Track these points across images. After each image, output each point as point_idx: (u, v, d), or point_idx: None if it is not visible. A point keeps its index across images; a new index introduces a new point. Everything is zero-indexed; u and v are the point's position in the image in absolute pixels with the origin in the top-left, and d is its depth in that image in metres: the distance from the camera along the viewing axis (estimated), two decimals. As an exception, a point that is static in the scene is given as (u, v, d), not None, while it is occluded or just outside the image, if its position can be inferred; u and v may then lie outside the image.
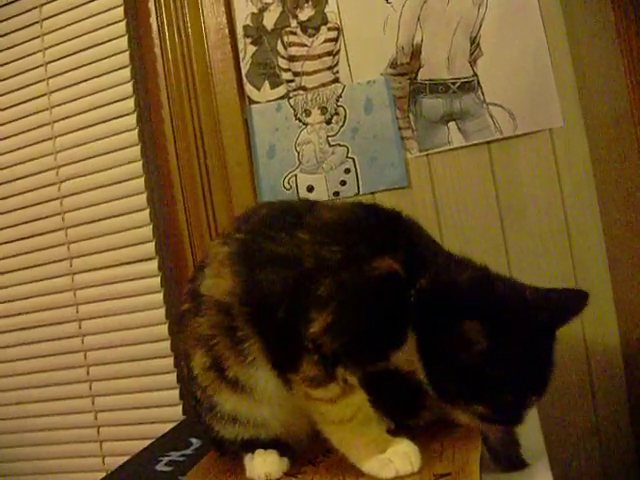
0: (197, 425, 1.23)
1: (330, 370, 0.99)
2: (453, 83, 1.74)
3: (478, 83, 1.73)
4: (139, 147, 1.94)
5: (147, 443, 1.55)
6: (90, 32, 2.00)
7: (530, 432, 1.21)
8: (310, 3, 1.85)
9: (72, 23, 2.03)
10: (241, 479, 1.13)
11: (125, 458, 1.46)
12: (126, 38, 1.96)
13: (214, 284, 1.10)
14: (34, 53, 2.08)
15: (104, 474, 1.40)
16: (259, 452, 1.12)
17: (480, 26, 1.72)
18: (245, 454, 1.14)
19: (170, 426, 1.68)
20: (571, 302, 1.04)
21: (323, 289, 0.98)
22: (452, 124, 1.75)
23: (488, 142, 1.72)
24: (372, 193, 1.80)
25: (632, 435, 1.64)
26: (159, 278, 1.93)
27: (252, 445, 1.13)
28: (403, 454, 1.02)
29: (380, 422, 1.07)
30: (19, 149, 2.12)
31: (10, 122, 2.13)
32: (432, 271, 1.03)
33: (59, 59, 2.05)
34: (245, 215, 1.20)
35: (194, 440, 1.49)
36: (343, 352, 0.99)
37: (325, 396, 1.01)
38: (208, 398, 1.11)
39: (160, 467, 1.37)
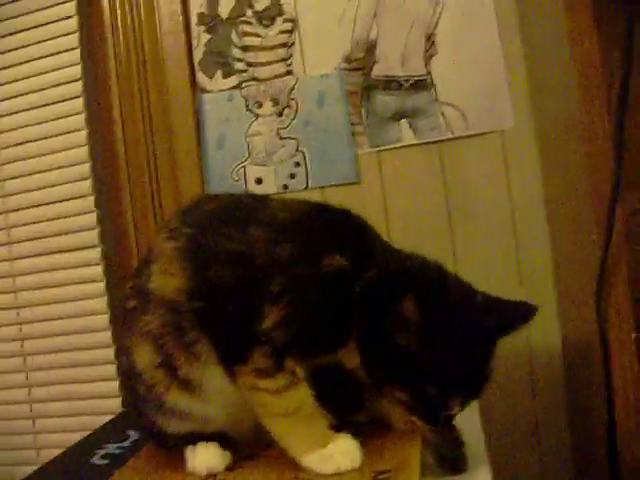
0: (136, 419, 1.20)
1: (279, 361, 0.99)
2: (406, 80, 1.74)
3: (432, 81, 1.73)
4: (85, 132, 1.89)
5: (85, 436, 1.52)
6: (39, 10, 1.95)
7: (471, 430, 1.21)
8: (266, -7, 1.83)
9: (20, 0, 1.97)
10: (180, 472, 1.11)
11: (61, 451, 1.44)
12: (76, 19, 1.91)
13: (163, 281, 1.07)
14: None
15: (38, 467, 1.37)
16: (201, 445, 1.11)
17: (436, 24, 1.72)
18: (186, 447, 1.12)
19: (109, 418, 1.65)
20: (518, 313, 1.03)
21: (275, 285, 0.99)
22: (404, 121, 1.74)
23: (439, 141, 1.72)
24: (321, 187, 1.79)
25: (569, 436, 1.66)
26: (102, 267, 1.89)
27: (195, 438, 1.12)
28: (344, 450, 1.02)
29: (323, 417, 1.07)
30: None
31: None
32: (379, 264, 1.03)
33: (5, 36, 1.99)
34: (191, 207, 1.17)
35: (132, 432, 1.46)
36: (293, 344, 0.99)
37: (271, 387, 1.01)
38: (156, 396, 1.08)
39: (95, 460, 1.33)
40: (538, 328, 1.66)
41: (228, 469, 1.08)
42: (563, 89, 1.54)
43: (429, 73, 1.73)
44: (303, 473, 1.01)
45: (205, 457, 1.09)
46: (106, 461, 1.31)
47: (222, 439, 1.12)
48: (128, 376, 1.14)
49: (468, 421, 1.22)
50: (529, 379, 1.68)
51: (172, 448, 1.16)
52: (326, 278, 1.00)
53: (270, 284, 0.99)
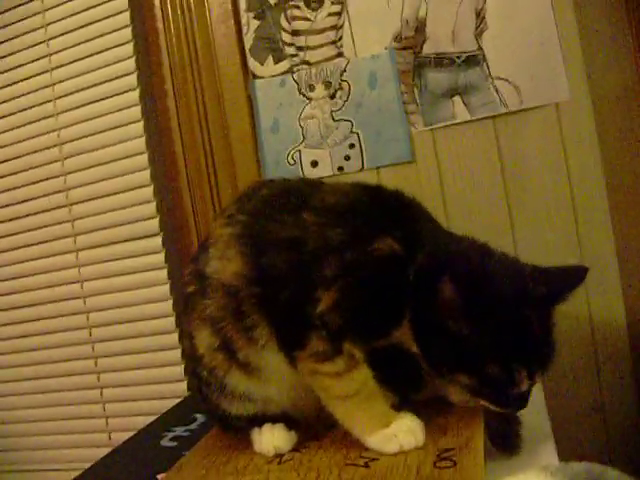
0: (201, 403, 1.23)
1: (337, 345, 1.00)
2: (458, 57, 1.72)
3: (483, 57, 1.71)
4: (142, 123, 1.93)
5: (152, 419, 1.56)
6: (92, 7, 1.99)
7: (535, 408, 1.21)
8: (314, -24, 1.83)
9: (73, -1, 2.01)
10: (247, 453, 1.13)
11: (131, 434, 1.48)
12: (128, 13, 1.94)
13: (221, 266, 1.10)
14: (36, 29, 2.07)
15: (110, 450, 1.41)
16: (267, 426, 1.12)
17: (486, -1, 1.70)
18: (252, 429, 1.14)
19: (175, 402, 1.69)
20: (570, 277, 1.02)
21: (328, 270, 1.00)
22: (457, 98, 1.73)
23: (493, 117, 1.71)
24: (377, 168, 1.79)
25: (637, 412, 1.64)
26: (163, 254, 1.93)
27: (260, 420, 1.14)
28: (407, 429, 1.02)
29: (384, 397, 1.08)
30: (22, 126, 2.12)
31: (12, 99, 2.13)
32: (429, 249, 1.03)
33: (61, 35, 2.04)
34: (246, 194, 1.20)
35: (198, 416, 1.50)
36: (348, 328, 1.00)
37: (331, 370, 1.02)
38: (217, 378, 1.11)
39: (165, 442, 1.38)
40: (601, 304, 1.64)
41: (294, 449, 1.10)
42: (618, 60, 1.51)
43: (480, 48, 1.71)
44: (368, 452, 1.03)
45: (272, 438, 1.10)
46: (175, 443, 1.35)
47: (287, 420, 1.14)
48: (191, 360, 1.17)
49: (531, 399, 1.23)
50: (593, 356, 1.66)
51: (238, 430, 1.18)
52: (378, 262, 1.00)
53: (323, 269, 1.00)
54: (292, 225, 1.06)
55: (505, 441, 1.05)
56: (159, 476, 1.14)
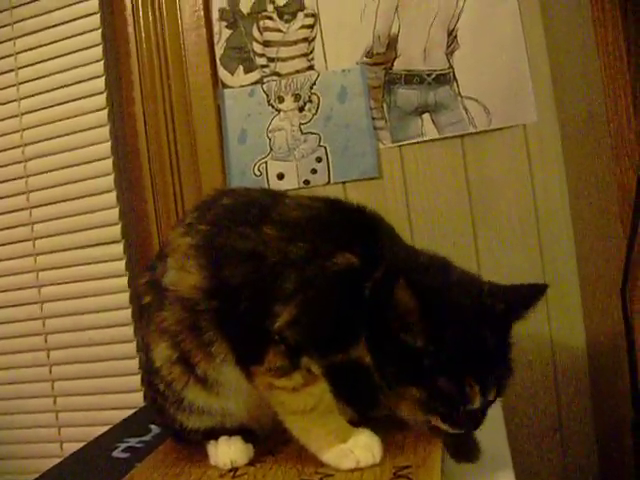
0: (156, 415, 1.21)
1: (294, 360, 1.00)
2: (428, 75, 1.73)
3: (454, 76, 1.71)
4: (108, 128, 1.90)
5: (106, 429, 1.53)
6: (61, 8, 1.96)
7: (493, 426, 1.20)
8: (287, -12, 1.83)
9: (41, -1, 1.99)
10: (200, 466, 1.12)
11: (84, 444, 1.44)
12: (99, 16, 1.92)
13: (178, 278, 1.08)
14: (2, 27, 2.03)
15: (61, 460, 1.38)
16: (223, 439, 1.12)
17: (458, 19, 1.71)
18: (208, 441, 1.13)
19: (130, 413, 1.66)
20: (529, 294, 1.02)
21: (288, 284, 0.99)
22: (426, 116, 1.73)
23: (461, 135, 1.71)
24: (343, 182, 1.78)
25: (593, 433, 1.64)
26: (124, 262, 1.90)
27: (216, 432, 1.12)
28: (364, 445, 1.01)
29: (342, 413, 1.06)
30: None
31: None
32: (387, 263, 1.02)
33: (28, 34, 2.00)
34: (207, 203, 1.18)
35: (153, 427, 1.48)
36: (307, 343, 0.99)
37: (288, 385, 1.01)
38: (174, 392, 1.09)
39: (117, 453, 1.35)
40: (562, 324, 1.65)
41: (249, 464, 1.09)
42: (587, 82, 1.53)
43: (451, 67, 1.71)
44: (323, 468, 1.02)
45: (228, 451, 1.09)
46: (127, 454, 1.33)
47: (244, 433, 1.13)
48: (147, 372, 1.16)
49: (490, 419, 1.22)
50: (552, 376, 1.66)
51: (193, 443, 1.17)
52: (335, 276, 1.00)
53: (282, 283, 0.99)
54: (252, 238, 1.05)
55: (463, 450, 1.05)
56: (108, 489, 1.11)
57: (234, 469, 1.07)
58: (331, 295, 1.00)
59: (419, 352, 0.95)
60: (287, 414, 1.04)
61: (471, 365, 0.94)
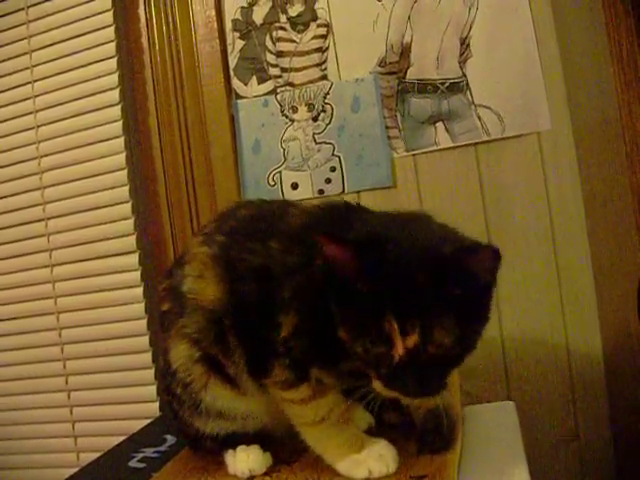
0: (172, 421, 1.21)
1: (301, 372, 1.00)
2: (442, 83, 1.73)
3: (467, 84, 1.72)
4: (123, 139, 1.91)
5: (122, 439, 1.53)
6: (77, 21, 1.97)
7: (509, 435, 1.20)
8: (300, -1, 1.84)
9: (59, 11, 2.00)
10: (216, 476, 1.12)
11: (100, 454, 1.45)
12: (113, 28, 1.93)
13: (198, 287, 1.09)
14: (19, 40, 2.04)
15: (77, 470, 1.38)
16: (241, 448, 1.12)
17: (471, 27, 1.71)
18: (226, 450, 1.13)
19: (146, 422, 1.66)
20: (479, 252, 0.90)
21: (286, 293, 1.00)
22: (439, 125, 1.73)
23: (475, 144, 1.71)
24: (357, 192, 1.78)
25: (611, 441, 1.63)
26: (139, 272, 1.90)
27: (233, 441, 1.13)
28: (377, 455, 1.01)
29: (357, 421, 1.06)
30: (1, 137, 2.08)
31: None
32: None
33: (45, 47, 2.02)
34: (226, 214, 1.20)
35: (169, 437, 1.48)
36: (312, 353, 0.99)
37: (296, 397, 1.02)
38: (192, 394, 1.09)
39: (133, 463, 1.35)
40: (577, 330, 1.64)
41: (265, 473, 1.09)
42: (600, 89, 1.52)
43: (464, 76, 1.72)
44: (339, 478, 1.02)
45: (246, 459, 1.10)
46: (143, 465, 1.33)
47: (262, 441, 1.13)
48: (164, 376, 1.16)
49: (505, 426, 1.22)
50: (569, 383, 1.65)
51: (210, 452, 1.17)
52: (318, 275, 0.98)
53: (282, 293, 1.00)
54: (260, 254, 1.05)
55: (435, 438, 1.05)
56: (125, 499, 1.12)
57: (251, 478, 1.07)
58: (320, 298, 0.97)
59: (360, 299, 0.91)
60: (300, 425, 1.05)
61: (393, 303, 0.88)
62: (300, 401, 1.02)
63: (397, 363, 0.89)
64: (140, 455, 1.39)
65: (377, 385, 0.93)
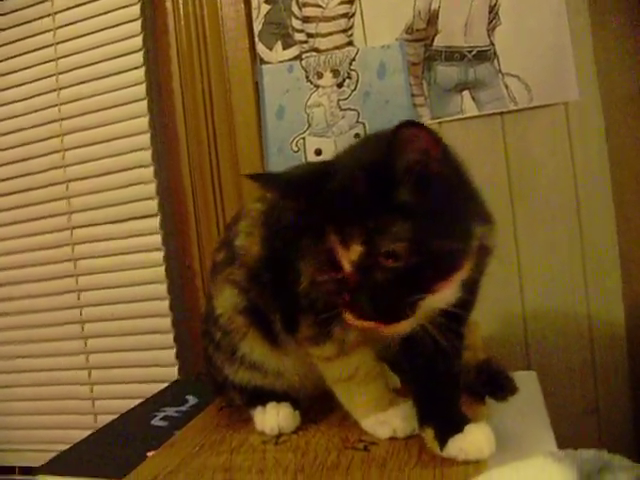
0: (205, 367, 1.24)
1: (325, 330, 1.00)
2: (469, 51, 1.71)
3: (494, 52, 1.69)
4: (146, 102, 1.90)
5: (142, 400, 1.55)
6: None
7: (534, 405, 1.20)
8: (327, -37, 1.81)
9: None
10: (241, 433, 1.13)
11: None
12: (138, -9, 1.92)
13: (247, 243, 1.12)
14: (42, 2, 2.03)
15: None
16: (272, 405, 1.12)
17: (499, -6, 1.69)
18: (254, 407, 1.14)
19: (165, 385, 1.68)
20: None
21: (304, 240, 0.97)
22: (466, 93, 1.72)
23: (501, 113, 1.69)
24: (381, 159, 1.76)
25: (632, 414, 1.63)
26: (160, 236, 1.90)
27: (262, 397, 1.13)
28: (403, 415, 1.01)
29: (384, 381, 1.06)
30: (23, 100, 2.08)
31: (17, 86, 2.10)
32: None
33: (67, 9, 2.00)
34: (284, 172, 1.19)
35: (190, 397, 1.49)
36: (332, 309, 0.95)
37: (322, 354, 1.03)
38: (231, 341, 1.11)
39: (155, 422, 1.37)
40: (600, 303, 1.63)
41: (293, 432, 1.10)
42: (630, 58, 1.50)
43: (492, 44, 1.69)
44: (367, 436, 1.02)
45: (276, 416, 1.10)
46: (166, 423, 1.34)
47: (291, 401, 1.13)
48: (206, 320, 1.18)
49: (530, 395, 1.22)
50: (590, 357, 1.65)
51: (231, 403, 1.21)
52: None
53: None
54: (296, 212, 1.04)
55: (499, 387, 1.05)
56: (149, 453, 1.12)
57: (277, 436, 1.08)
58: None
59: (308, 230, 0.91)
60: (329, 381, 1.06)
61: (331, 219, 0.84)
62: (326, 358, 1.03)
63: (353, 285, 0.83)
64: (162, 414, 1.40)
65: (347, 317, 0.85)
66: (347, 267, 0.83)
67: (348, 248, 0.82)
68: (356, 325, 0.85)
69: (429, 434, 0.93)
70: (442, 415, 0.94)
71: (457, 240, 0.84)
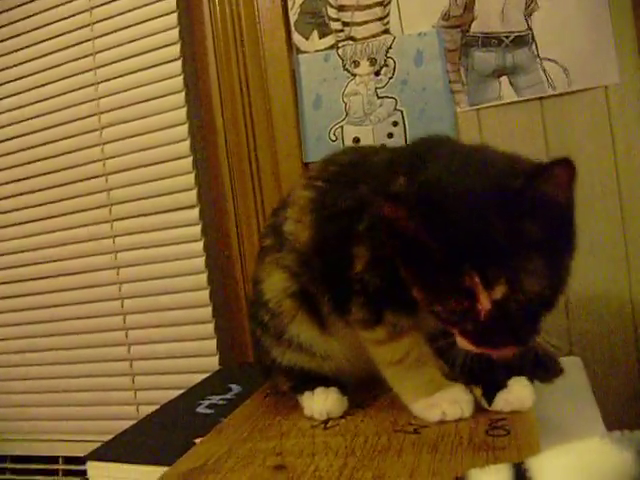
0: (255, 349, 1.25)
1: (376, 313, 1.01)
2: (506, 37, 1.70)
3: (532, 37, 1.68)
4: (183, 94, 1.91)
5: (185, 390, 1.56)
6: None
7: (581, 390, 1.20)
8: (362, -49, 1.81)
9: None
10: (289, 418, 1.14)
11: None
12: (173, -16, 1.93)
13: (295, 229, 1.13)
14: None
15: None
16: (321, 390, 1.13)
17: (537, -21, 1.68)
18: (302, 393, 1.15)
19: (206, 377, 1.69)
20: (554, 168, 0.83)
21: (361, 225, 1.00)
22: (504, 79, 1.70)
23: (540, 98, 1.68)
24: (420, 147, 1.76)
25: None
26: (199, 227, 1.91)
27: (310, 382, 1.14)
28: (452, 399, 1.02)
29: (434, 365, 1.06)
30: (61, 94, 2.11)
31: (52, 68, 2.12)
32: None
33: (103, 4, 2.03)
34: (329, 159, 1.21)
35: (234, 386, 1.50)
36: (386, 294, 0.99)
37: (372, 338, 1.04)
38: (278, 324, 1.12)
39: (201, 409, 1.38)
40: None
41: (341, 417, 1.10)
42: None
43: (530, 29, 1.68)
44: (417, 420, 1.03)
45: (325, 401, 1.11)
46: (211, 410, 1.36)
47: (339, 386, 1.14)
48: (254, 305, 1.19)
49: (576, 381, 1.21)
50: (633, 341, 1.63)
51: (278, 387, 1.22)
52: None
53: (357, 225, 1.00)
54: (349, 197, 1.05)
55: (544, 369, 1.05)
56: (197, 440, 1.13)
57: (326, 421, 1.08)
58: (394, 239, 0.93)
59: (430, 257, 0.85)
60: (379, 364, 1.06)
61: (468, 255, 0.82)
62: (377, 342, 1.04)
63: (484, 317, 0.84)
64: (207, 402, 1.42)
65: (462, 342, 0.89)
66: (486, 305, 0.83)
67: (492, 288, 0.82)
68: (470, 349, 0.89)
69: (477, 392, 1.02)
70: (488, 376, 1.00)
71: (573, 252, 0.91)
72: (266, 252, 1.18)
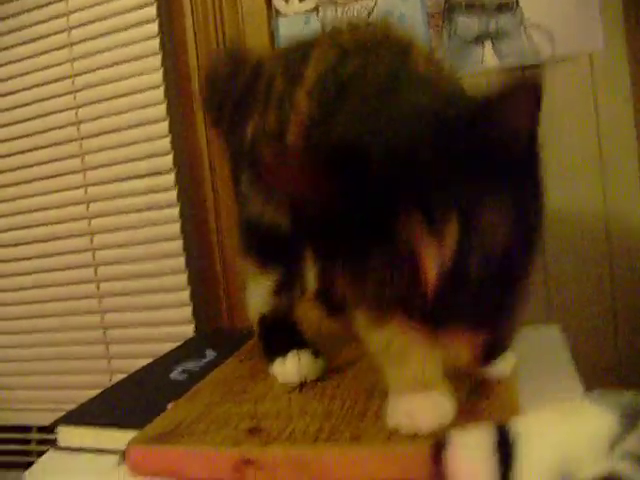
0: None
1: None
2: (490, 1, 1.67)
3: (517, 2, 1.65)
4: (160, 56, 1.88)
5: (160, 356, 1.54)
6: None
7: (561, 358, 1.19)
8: None
9: None
10: (264, 384, 1.11)
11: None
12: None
13: None
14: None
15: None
16: (292, 353, 1.09)
17: (523, -59, 1.65)
18: (274, 360, 1.12)
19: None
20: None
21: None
22: (487, 44, 1.68)
23: (523, 65, 1.66)
24: (401, 113, 1.73)
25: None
26: (175, 192, 1.89)
27: (283, 346, 1.11)
28: (430, 406, 0.84)
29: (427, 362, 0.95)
30: (38, 70, 2.07)
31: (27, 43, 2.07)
32: None
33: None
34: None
35: (209, 351, 1.48)
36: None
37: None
38: None
39: (174, 375, 1.36)
40: (623, 261, 1.60)
41: (316, 379, 1.08)
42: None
43: (514, -7, 1.66)
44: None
45: (297, 364, 1.08)
46: (185, 376, 1.33)
47: (315, 348, 1.11)
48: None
49: (555, 348, 1.21)
50: (611, 311, 1.62)
51: None
52: None
53: None
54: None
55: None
56: (169, 405, 1.11)
57: (301, 385, 1.06)
58: None
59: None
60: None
61: (404, 194, 0.65)
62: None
63: (436, 282, 0.64)
64: (180, 368, 1.39)
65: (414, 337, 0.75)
66: (436, 256, 0.64)
67: (441, 232, 0.63)
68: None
69: None
70: None
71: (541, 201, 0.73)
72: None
